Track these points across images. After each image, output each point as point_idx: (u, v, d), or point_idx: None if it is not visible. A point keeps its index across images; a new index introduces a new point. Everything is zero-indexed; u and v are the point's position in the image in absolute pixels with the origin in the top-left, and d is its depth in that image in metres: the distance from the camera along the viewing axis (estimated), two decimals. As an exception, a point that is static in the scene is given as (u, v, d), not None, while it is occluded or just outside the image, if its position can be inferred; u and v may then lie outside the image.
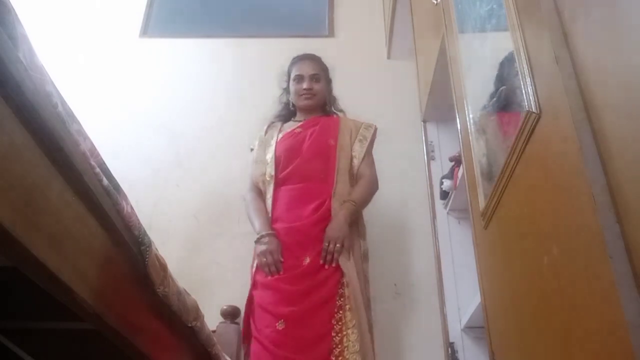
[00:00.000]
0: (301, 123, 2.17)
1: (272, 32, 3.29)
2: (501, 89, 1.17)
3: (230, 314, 2.20)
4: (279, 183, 2.01)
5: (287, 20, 3.42)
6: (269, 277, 1.82)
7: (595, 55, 0.77)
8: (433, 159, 2.38)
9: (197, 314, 1.34)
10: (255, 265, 1.90)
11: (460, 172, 1.89)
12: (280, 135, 2.15)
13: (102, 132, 2.46)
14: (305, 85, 2.16)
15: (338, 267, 1.79)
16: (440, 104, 2.21)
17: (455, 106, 1.61)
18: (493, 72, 1.23)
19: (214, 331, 1.73)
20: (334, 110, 2.25)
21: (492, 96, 1.24)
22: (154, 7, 3.45)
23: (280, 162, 2.05)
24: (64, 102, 0.74)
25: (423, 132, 2.47)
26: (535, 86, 0.94)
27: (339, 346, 1.68)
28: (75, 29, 3.27)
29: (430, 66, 2.10)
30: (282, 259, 1.83)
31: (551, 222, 0.88)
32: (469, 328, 1.93)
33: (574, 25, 0.82)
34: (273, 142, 2.13)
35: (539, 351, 0.96)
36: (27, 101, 0.64)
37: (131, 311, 1.02)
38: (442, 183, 2.19)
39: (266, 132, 2.21)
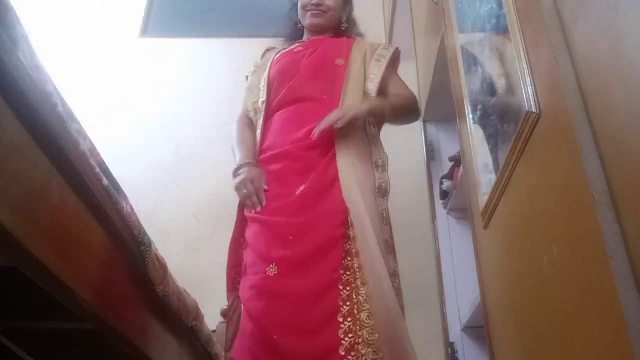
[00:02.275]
0: (303, 42, 1.81)
1: (272, 32, 3.28)
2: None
3: (230, 314, 2.19)
4: (271, 111, 1.65)
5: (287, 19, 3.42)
6: (253, 212, 1.44)
7: (595, 55, 0.77)
8: (433, 159, 2.38)
9: (197, 314, 1.34)
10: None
11: (460, 172, 1.89)
12: (277, 56, 1.78)
13: (102, 132, 2.46)
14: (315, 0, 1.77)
15: (342, 202, 1.39)
16: (440, 104, 2.21)
17: (455, 106, 1.61)
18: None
19: (214, 331, 1.73)
20: (353, 36, 1.86)
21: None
22: (154, 7, 3.45)
23: (273, 86, 1.68)
24: (64, 102, 0.75)
25: (423, 132, 2.47)
26: (535, 86, 0.94)
27: (348, 303, 1.26)
28: (75, 29, 3.27)
29: (430, 66, 2.10)
30: (265, 187, 1.46)
31: (551, 222, 0.88)
32: (469, 328, 1.93)
33: (574, 26, 0.82)
34: (268, 65, 1.76)
35: (539, 351, 0.96)
36: (27, 101, 0.64)
37: (131, 311, 1.02)
38: (442, 183, 2.19)
39: (263, 56, 1.85)
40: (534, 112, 0.92)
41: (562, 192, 0.83)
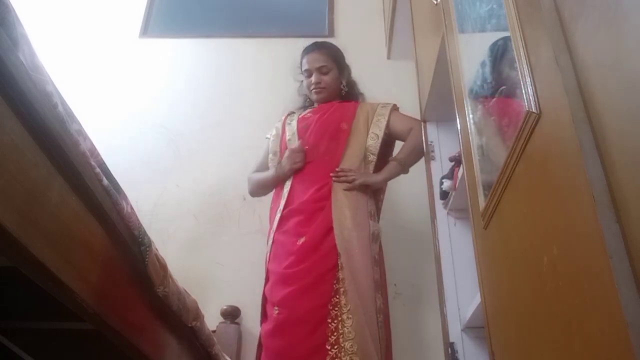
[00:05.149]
0: (312, 109, 2.16)
1: (272, 32, 3.30)
2: (501, 89, 1.17)
3: (230, 314, 2.20)
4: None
5: (287, 20, 3.42)
6: (273, 265, 1.78)
7: (595, 55, 0.77)
8: (433, 159, 2.38)
9: (197, 314, 1.34)
10: (270, 243, 1.87)
11: (460, 172, 1.89)
12: (298, 118, 2.15)
13: (102, 132, 2.46)
14: (313, 79, 2.13)
15: (334, 248, 1.71)
16: (440, 104, 2.21)
17: (455, 106, 1.61)
18: (482, 57, 1.23)
19: (214, 331, 1.73)
20: (353, 95, 2.22)
21: (485, 86, 1.24)
22: (154, 7, 3.45)
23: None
24: (64, 102, 0.75)
25: (423, 132, 2.47)
26: (535, 86, 0.94)
27: (335, 333, 1.59)
28: (75, 29, 3.27)
29: (430, 66, 2.10)
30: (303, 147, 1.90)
31: (551, 222, 0.88)
32: (469, 328, 1.93)
33: (574, 25, 0.82)
34: (295, 125, 2.11)
35: (539, 351, 0.96)
36: (27, 101, 0.64)
37: (131, 311, 1.02)
38: (442, 183, 2.18)
39: (285, 119, 2.18)
40: (534, 112, 0.92)
41: (562, 192, 0.83)
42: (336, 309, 1.61)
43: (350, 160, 1.95)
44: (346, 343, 1.56)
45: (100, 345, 1.10)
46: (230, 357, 1.90)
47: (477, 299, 1.51)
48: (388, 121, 2.06)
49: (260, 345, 1.73)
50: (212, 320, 1.98)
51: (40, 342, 1.28)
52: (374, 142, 2.01)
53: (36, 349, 1.29)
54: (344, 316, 1.60)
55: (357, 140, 1.99)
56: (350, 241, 1.75)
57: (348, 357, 1.54)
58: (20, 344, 1.26)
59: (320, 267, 1.68)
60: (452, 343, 1.97)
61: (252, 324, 2.24)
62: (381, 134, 2.04)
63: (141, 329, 1.06)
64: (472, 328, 1.92)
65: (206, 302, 1.64)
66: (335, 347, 1.56)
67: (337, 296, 1.63)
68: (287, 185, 1.95)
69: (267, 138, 2.21)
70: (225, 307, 2.20)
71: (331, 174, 1.87)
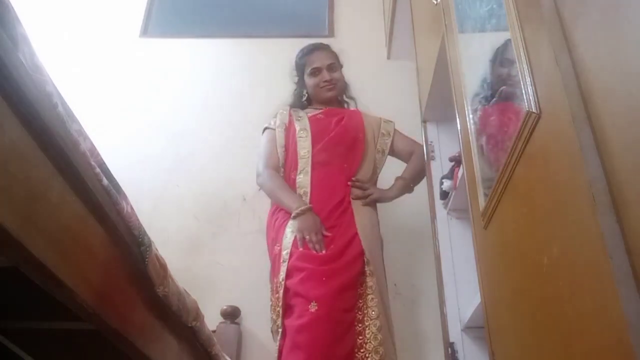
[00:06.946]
0: (322, 110, 2.15)
1: (272, 32, 3.30)
2: (502, 89, 1.17)
3: (230, 314, 2.20)
4: (314, 166, 1.97)
5: (287, 20, 3.42)
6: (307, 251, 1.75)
7: (595, 55, 0.77)
8: (433, 159, 2.37)
9: (197, 314, 1.34)
10: (292, 239, 1.80)
11: (460, 172, 1.89)
12: (309, 117, 2.11)
13: (102, 132, 2.46)
14: (326, 77, 2.14)
15: (362, 254, 1.77)
16: (440, 104, 2.21)
17: (455, 106, 1.61)
18: (486, 58, 1.24)
19: (214, 331, 1.73)
20: (346, 99, 2.26)
21: (486, 89, 1.24)
22: (154, 7, 3.45)
23: (313, 142, 2.02)
24: (64, 102, 0.75)
25: (423, 132, 2.47)
26: (535, 86, 0.94)
27: (361, 337, 1.66)
28: (76, 28, 3.27)
29: (430, 66, 2.10)
30: (327, 234, 1.79)
31: (551, 222, 0.88)
32: (469, 328, 1.93)
33: (574, 25, 0.82)
34: (307, 122, 2.07)
35: (539, 351, 0.96)
36: (27, 101, 0.64)
37: (131, 311, 1.02)
38: (442, 183, 2.18)
39: (290, 115, 2.13)
40: (534, 112, 0.92)
41: (562, 192, 0.83)
42: (360, 312, 1.69)
43: (364, 172, 2.02)
44: (372, 346, 1.63)
45: (100, 345, 1.10)
46: (230, 357, 1.90)
47: (477, 299, 1.51)
48: (392, 140, 2.16)
49: (285, 344, 1.67)
50: (212, 320, 1.98)
51: (40, 342, 1.28)
52: (379, 157, 2.11)
53: (36, 349, 1.29)
54: (370, 321, 1.67)
55: (370, 153, 2.07)
56: (373, 249, 1.83)
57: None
58: (20, 344, 1.26)
59: (350, 269, 1.73)
60: (452, 343, 1.97)
61: (252, 324, 2.24)
62: (387, 150, 2.14)
63: (141, 329, 1.06)
64: (472, 328, 1.91)
65: (206, 302, 1.64)
66: (362, 350, 1.63)
67: (361, 300, 1.71)
68: (306, 187, 1.92)
69: (270, 128, 2.13)
70: (225, 307, 2.20)
71: (349, 183, 1.93)
